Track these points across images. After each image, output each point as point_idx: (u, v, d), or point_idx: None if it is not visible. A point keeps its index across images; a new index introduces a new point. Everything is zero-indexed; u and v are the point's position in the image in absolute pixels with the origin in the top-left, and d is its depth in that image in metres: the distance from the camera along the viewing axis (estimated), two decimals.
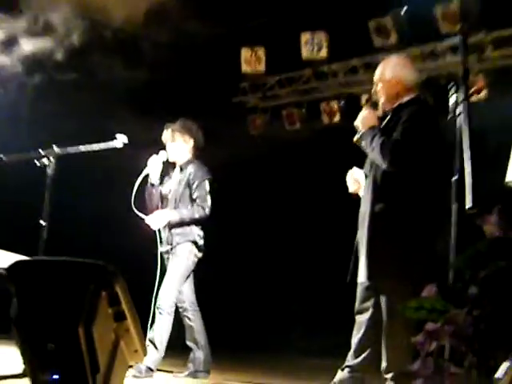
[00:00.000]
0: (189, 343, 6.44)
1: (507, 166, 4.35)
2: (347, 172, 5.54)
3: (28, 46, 6.86)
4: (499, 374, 3.37)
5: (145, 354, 3.98)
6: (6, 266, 4.05)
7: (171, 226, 6.42)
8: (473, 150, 3.62)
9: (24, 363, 3.90)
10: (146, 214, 6.43)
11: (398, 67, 5.42)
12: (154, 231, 6.47)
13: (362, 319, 5.18)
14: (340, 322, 5.95)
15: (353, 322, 5.22)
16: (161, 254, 6.48)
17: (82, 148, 6.02)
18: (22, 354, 3.84)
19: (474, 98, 8.40)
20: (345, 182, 5.54)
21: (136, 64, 9.05)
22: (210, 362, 6.46)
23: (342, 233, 5.88)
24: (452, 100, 3.89)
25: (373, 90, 5.53)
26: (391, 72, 5.37)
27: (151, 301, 6.24)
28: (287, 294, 9.82)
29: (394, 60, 5.61)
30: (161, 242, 6.50)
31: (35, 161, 5.78)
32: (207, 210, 6.42)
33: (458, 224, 3.46)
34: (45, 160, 5.74)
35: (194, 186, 6.47)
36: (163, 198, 6.63)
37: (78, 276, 3.79)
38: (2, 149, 6.14)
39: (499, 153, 4.63)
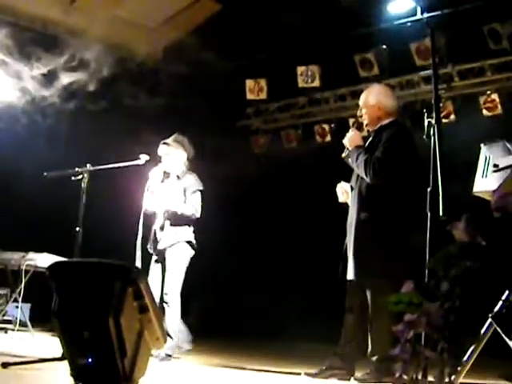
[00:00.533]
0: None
1: (474, 179, 4.36)
2: (337, 184, 5.55)
3: (66, 78, 6.87)
4: (466, 357, 3.37)
5: (165, 342, 3.98)
6: (47, 265, 4.07)
7: (171, 223, 6.28)
8: (444, 165, 3.62)
9: (63, 349, 3.91)
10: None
11: (380, 94, 5.43)
12: (149, 232, 6.36)
13: (350, 311, 5.18)
14: (332, 311, 5.93)
15: (343, 311, 5.22)
16: (155, 252, 6.35)
17: (112, 166, 6.06)
18: (61, 340, 3.84)
19: (444, 121, 8.42)
20: (335, 192, 5.55)
21: (156, 93, 9.07)
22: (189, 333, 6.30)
23: (332, 235, 5.87)
24: (426, 123, 3.88)
25: (358, 114, 5.55)
26: (374, 98, 5.38)
27: None
28: (284, 288, 9.77)
29: (376, 88, 5.63)
30: (156, 241, 6.33)
31: (72, 176, 5.80)
32: (198, 213, 6.29)
33: (431, 229, 3.45)
34: (80, 176, 5.76)
35: (189, 192, 6.33)
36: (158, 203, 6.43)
37: (107, 274, 3.79)
38: (42, 166, 6.15)
39: (467, 168, 4.64)
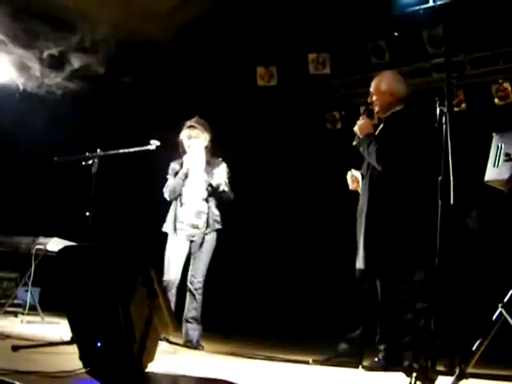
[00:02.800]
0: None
1: (485, 167, 4.33)
2: (347, 170, 5.54)
3: (75, 61, 6.83)
4: (475, 346, 3.35)
5: (174, 328, 3.97)
6: (57, 250, 4.07)
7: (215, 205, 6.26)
8: (455, 153, 3.60)
9: (72, 333, 3.92)
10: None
11: (392, 81, 5.40)
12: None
13: (359, 299, 5.16)
14: (340, 299, 5.91)
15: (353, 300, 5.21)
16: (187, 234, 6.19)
17: (122, 151, 6.03)
18: (71, 325, 3.85)
19: (455, 109, 8.39)
20: (345, 179, 5.53)
21: (166, 78, 9.05)
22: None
23: (342, 224, 5.86)
24: (438, 111, 3.86)
25: (369, 100, 5.51)
26: (386, 85, 5.35)
27: None
28: (293, 278, 9.73)
29: (388, 75, 5.58)
30: (192, 224, 6.18)
31: (82, 161, 5.79)
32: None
33: (442, 218, 3.43)
34: (90, 161, 5.75)
35: (226, 179, 6.24)
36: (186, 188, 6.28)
37: (117, 259, 3.79)
38: (53, 151, 6.14)
39: (478, 157, 4.61)
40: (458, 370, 2.35)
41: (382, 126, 5.36)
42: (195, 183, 6.31)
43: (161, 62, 9.56)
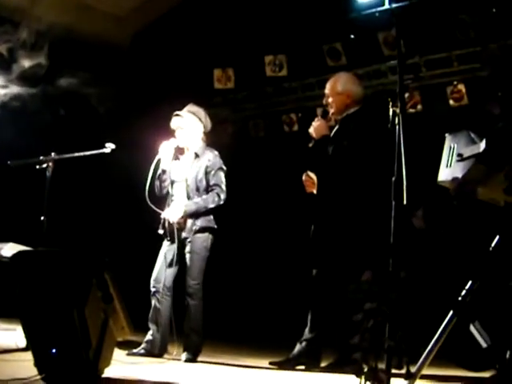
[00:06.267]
0: (150, 324, 5.66)
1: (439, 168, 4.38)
2: (304, 172, 5.55)
3: (23, 61, 6.73)
4: (429, 347, 3.38)
5: (130, 331, 3.94)
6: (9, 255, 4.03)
7: (187, 216, 5.69)
8: (410, 153, 3.63)
9: (26, 339, 3.88)
10: (155, 201, 5.77)
11: (348, 83, 5.43)
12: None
13: (314, 300, 5.18)
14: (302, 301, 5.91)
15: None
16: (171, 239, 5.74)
17: (77, 154, 5.97)
18: (25, 331, 3.82)
19: (411, 110, 8.48)
20: (301, 181, 5.54)
21: (122, 81, 9.00)
22: (165, 345, 5.66)
23: (300, 226, 5.86)
24: (391, 112, 3.89)
25: (324, 102, 5.53)
26: (342, 86, 5.37)
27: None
28: (252, 280, 9.71)
29: (343, 76, 5.61)
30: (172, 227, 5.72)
31: (36, 165, 5.73)
32: (222, 197, 5.74)
33: (395, 218, 3.45)
34: (44, 164, 5.68)
35: (212, 173, 5.75)
36: (173, 183, 5.86)
37: (72, 264, 3.77)
38: (6, 155, 6.06)
39: (433, 156, 4.65)
40: (405, 371, 2.37)
41: (337, 127, 5.38)
42: (178, 181, 5.90)
43: (118, 65, 9.51)
